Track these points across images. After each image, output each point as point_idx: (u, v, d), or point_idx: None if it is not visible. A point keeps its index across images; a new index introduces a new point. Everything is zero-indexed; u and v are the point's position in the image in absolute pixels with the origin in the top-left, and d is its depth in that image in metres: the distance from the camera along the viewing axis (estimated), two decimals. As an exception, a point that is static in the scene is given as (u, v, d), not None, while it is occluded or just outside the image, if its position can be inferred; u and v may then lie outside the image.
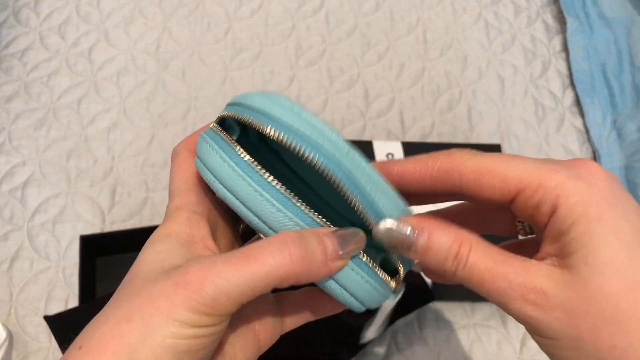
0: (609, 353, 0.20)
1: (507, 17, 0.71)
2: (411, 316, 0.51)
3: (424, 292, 0.49)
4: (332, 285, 0.24)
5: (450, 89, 0.66)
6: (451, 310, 0.52)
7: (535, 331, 0.22)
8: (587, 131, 0.62)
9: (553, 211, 0.22)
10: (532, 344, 0.50)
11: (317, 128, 0.22)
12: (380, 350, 0.50)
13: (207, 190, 0.27)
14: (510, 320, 0.51)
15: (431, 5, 0.72)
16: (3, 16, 0.69)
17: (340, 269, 0.23)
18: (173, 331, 0.21)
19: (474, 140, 0.62)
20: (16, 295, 0.53)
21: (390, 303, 0.27)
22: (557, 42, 0.69)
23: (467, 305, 0.52)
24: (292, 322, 0.30)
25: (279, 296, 0.30)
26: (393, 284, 0.26)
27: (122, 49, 0.67)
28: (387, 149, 0.54)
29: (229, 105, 0.25)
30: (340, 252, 0.23)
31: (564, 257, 0.22)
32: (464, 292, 0.50)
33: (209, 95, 0.65)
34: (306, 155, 0.22)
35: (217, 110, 0.63)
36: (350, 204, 0.23)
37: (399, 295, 0.27)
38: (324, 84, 0.65)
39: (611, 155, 0.59)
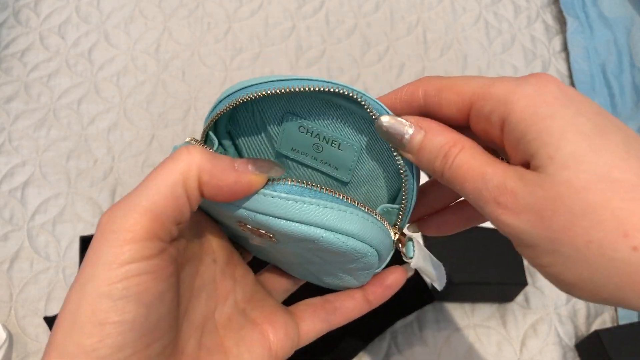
0: (586, 249, 0.19)
1: (507, 17, 0.71)
2: (411, 317, 0.51)
3: (423, 293, 0.49)
4: (317, 233, 0.23)
5: (450, 89, 0.65)
6: (451, 311, 0.52)
7: (514, 239, 0.22)
8: (587, 131, 0.62)
9: (503, 120, 0.22)
10: (532, 344, 0.50)
11: (292, 76, 0.24)
12: (381, 351, 0.50)
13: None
14: (510, 320, 0.51)
15: (431, 5, 0.72)
16: (3, 16, 0.69)
17: (256, 184, 0.23)
18: (103, 277, 0.20)
19: (474, 140, 0.62)
20: (16, 296, 0.53)
21: (417, 259, 0.27)
22: (557, 42, 0.69)
23: (467, 306, 0.52)
24: (310, 328, 0.29)
25: (294, 307, 0.30)
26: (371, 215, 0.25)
27: (122, 49, 0.67)
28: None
29: (208, 116, 0.27)
30: (250, 167, 0.23)
31: (529, 161, 0.21)
32: (464, 292, 0.50)
33: (209, 95, 0.65)
34: (306, 88, 0.23)
35: (217, 110, 0.64)
36: (357, 99, 0.24)
37: (412, 250, 0.27)
38: (324, 84, 0.65)
39: (611, 156, 0.59)
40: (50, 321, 0.50)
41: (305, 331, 0.29)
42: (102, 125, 0.62)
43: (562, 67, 0.67)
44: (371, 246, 0.25)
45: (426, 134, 0.24)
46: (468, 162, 0.22)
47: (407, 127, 0.24)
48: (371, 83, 0.66)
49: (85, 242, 0.52)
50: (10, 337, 0.50)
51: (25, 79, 0.65)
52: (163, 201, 0.21)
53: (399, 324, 0.51)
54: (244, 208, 0.23)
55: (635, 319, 0.51)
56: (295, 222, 0.23)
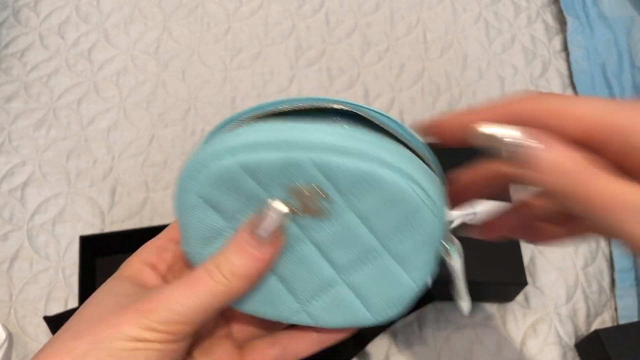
0: None
1: (507, 17, 0.71)
2: (411, 317, 0.51)
3: (424, 292, 0.49)
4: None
5: (450, 89, 0.65)
6: (451, 311, 0.52)
7: None
8: (587, 131, 0.62)
9: (633, 150, 0.20)
10: (532, 344, 0.50)
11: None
12: (381, 351, 0.50)
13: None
14: (510, 320, 0.51)
15: (431, 5, 0.72)
16: (3, 16, 0.69)
17: (276, 249, 0.24)
18: (118, 343, 0.22)
19: (474, 140, 0.62)
20: (16, 296, 0.53)
21: (457, 262, 0.26)
22: (557, 42, 0.69)
23: (467, 306, 0.52)
24: None
25: (244, 347, 0.29)
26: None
27: (122, 49, 0.67)
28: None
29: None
30: (264, 236, 0.24)
31: None
32: (464, 292, 0.50)
33: (209, 95, 0.65)
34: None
35: (217, 110, 0.63)
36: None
37: (456, 251, 0.26)
38: (324, 84, 0.65)
39: (611, 156, 0.59)
40: (50, 321, 0.50)
41: None
42: (102, 125, 0.62)
43: (562, 66, 0.67)
44: (432, 199, 0.23)
45: (551, 149, 0.21)
46: (603, 184, 0.21)
47: (534, 143, 0.21)
48: (371, 83, 0.66)
49: (84, 242, 0.52)
50: (10, 336, 0.50)
51: (25, 79, 0.65)
52: (203, 312, 0.24)
53: (399, 323, 0.51)
54: (302, 148, 0.22)
55: (635, 319, 0.51)
56: (357, 157, 0.22)
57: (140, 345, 0.22)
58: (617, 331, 0.47)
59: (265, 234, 0.23)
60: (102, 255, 0.54)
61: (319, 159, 0.22)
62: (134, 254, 0.28)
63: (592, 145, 0.22)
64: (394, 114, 0.63)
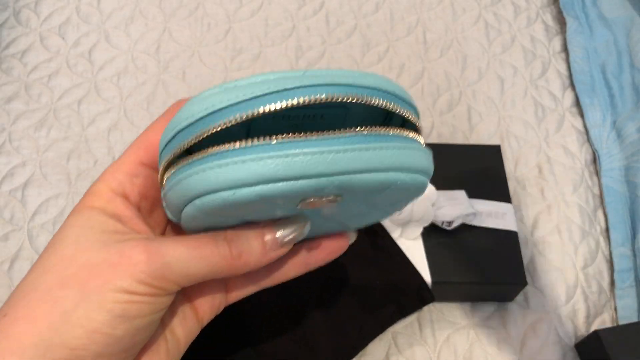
0: None
1: (506, 17, 0.71)
2: (411, 317, 0.51)
3: (423, 292, 0.49)
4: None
5: (450, 89, 0.66)
6: (451, 311, 0.52)
7: None
8: (586, 132, 0.62)
9: None
10: (531, 344, 0.50)
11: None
12: (381, 351, 0.50)
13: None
14: (510, 320, 0.51)
15: (431, 5, 0.72)
16: (3, 17, 0.69)
17: (281, 255, 0.25)
18: (111, 296, 0.21)
19: (473, 140, 0.62)
20: (16, 296, 0.53)
21: None
22: (556, 42, 0.69)
23: (466, 306, 0.52)
24: (237, 295, 0.29)
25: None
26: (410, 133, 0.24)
27: (123, 50, 0.68)
28: (387, 149, 0.54)
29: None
30: (280, 242, 0.24)
31: None
32: (464, 292, 0.50)
33: (209, 95, 0.65)
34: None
35: (217, 110, 0.63)
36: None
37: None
38: (324, 84, 0.65)
39: (611, 156, 0.59)
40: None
41: (232, 298, 0.29)
42: (102, 125, 0.62)
43: (562, 67, 0.67)
44: (428, 174, 0.25)
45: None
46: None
47: None
48: (371, 83, 0.66)
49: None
50: (10, 337, 0.50)
51: (25, 80, 0.65)
52: (197, 274, 0.23)
53: (399, 324, 0.51)
54: (320, 176, 0.20)
55: (635, 319, 0.51)
56: (377, 171, 0.21)
57: (133, 297, 0.22)
58: (617, 331, 0.47)
59: (285, 240, 0.24)
60: (102, 256, 0.54)
61: (340, 182, 0.21)
62: (99, 180, 0.25)
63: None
64: (394, 115, 0.63)
